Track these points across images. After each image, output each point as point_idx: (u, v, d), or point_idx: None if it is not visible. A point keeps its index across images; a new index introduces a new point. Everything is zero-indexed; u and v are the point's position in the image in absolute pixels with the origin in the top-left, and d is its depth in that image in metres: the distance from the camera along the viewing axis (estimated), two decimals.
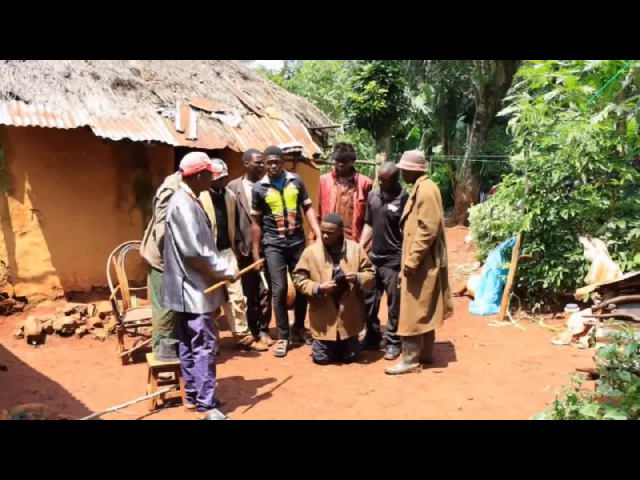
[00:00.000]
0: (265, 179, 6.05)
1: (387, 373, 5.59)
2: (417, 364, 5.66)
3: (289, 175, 6.07)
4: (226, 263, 4.63)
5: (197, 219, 4.41)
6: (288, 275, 6.28)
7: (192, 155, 4.57)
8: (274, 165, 6.02)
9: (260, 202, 6.02)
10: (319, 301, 5.70)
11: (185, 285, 4.42)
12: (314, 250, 5.79)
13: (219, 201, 5.91)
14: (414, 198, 5.46)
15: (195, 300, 4.43)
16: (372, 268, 5.81)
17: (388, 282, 5.97)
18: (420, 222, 5.35)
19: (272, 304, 6.29)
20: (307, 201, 6.21)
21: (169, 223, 4.40)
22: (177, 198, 4.45)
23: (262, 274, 5.96)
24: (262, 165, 6.22)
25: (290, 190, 6.05)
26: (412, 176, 5.59)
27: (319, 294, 5.59)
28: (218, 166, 5.40)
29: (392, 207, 5.89)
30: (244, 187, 6.36)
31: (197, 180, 4.52)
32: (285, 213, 6.02)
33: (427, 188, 5.42)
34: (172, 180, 5.37)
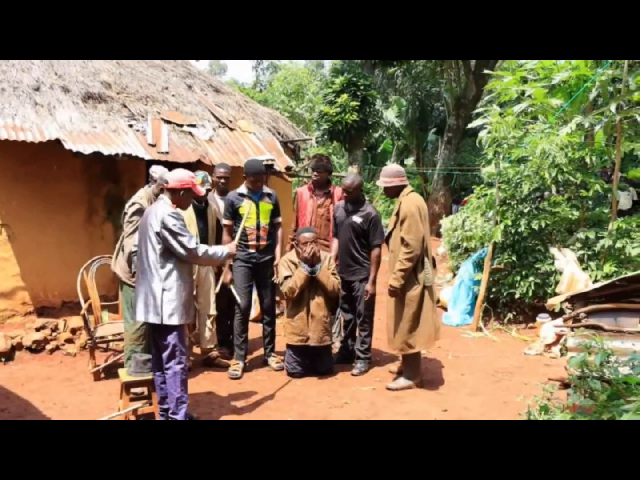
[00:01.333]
0: (242, 188, 5.94)
1: (388, 389, 5.50)
2: (419, 379, 5.59)
3: (266, 190, 6.04)
4: (217, 247, 4.69)
5: (184, 224, 4.49)
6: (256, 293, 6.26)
7: (181, 171, 4.60)
8: (222, 181, 6.28)
9: (234, 212, 5.90)
10: (295, 309, 5.75)
11: (165, 295, 4.40)
12: (289, 258, 5.88)
13: (201, 214, 5.92)
14: (397, 214, 5.37)
15: (173, 311, 4.41)
16: (337, 278, 5.84)
17: (357, 295, 5.98)
18: (402, 239, 5.26)
19: (235, 321, 6.09)
20: (278, 219, 6.13)
21: (158, 233, 4.39)
22: (162, 208, 4.45)
23: (232, 287, 5.87)
24: (222, 182, 6.33)
25: (266, 205, 5.98)
26: (393, 192, 5.50)
27: (310, 266, 5.68)
28: (202, 189, 5.35)
29: (357, 218, 5.92)
30: (217, 201, 6.36)
31: (179, 197, 4.54)
32: (258, 227, 5.92)
33: (409, 203, 5.31)
34: (141, 195, 5.36)
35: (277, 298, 7.59)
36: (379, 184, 5.62)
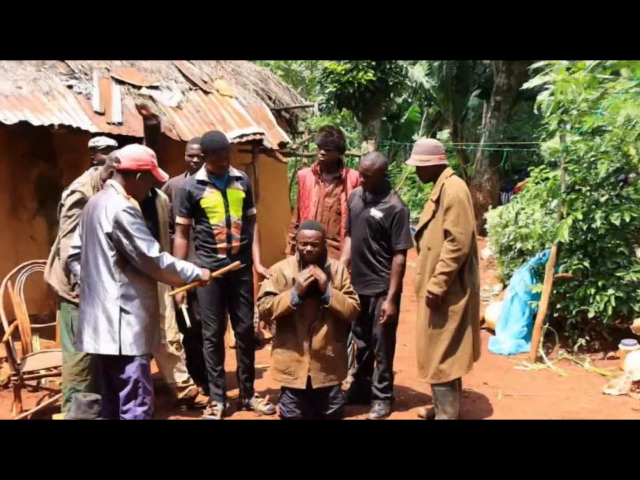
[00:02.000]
0: (202, 174, 5.80)
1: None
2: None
3: (234, 172, 5.92)
4: (188, 263, 4.70)
5: (144, 224, 4.47)
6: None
7: (137, 147, 4.60)
8: (195, 160, 6.18)
9: (192, 207, 5.78)
10: (284, 335, 5.67)
11: (124, 317, 4.38)
12: (284, 268, 5.73)
13: (147, 208, 5.80)
14: (437, 201, 5.39)
15: (134, 337, 4.39)
16: (355, 297, 5.74)
17: (373, 314, 5.93)
18: (447, 232, 5.27)
19: (204, 351, 6.02)
20: (253, 211, 6.02)
21: (110, 235, 4.36)
22: (113, 200, 4.42)
23: (183, 306, 5.80)
24: (194, 161, 6.26)
25: (236, 192, 5.86)
26: (430, 174, 5.52)
27: (299, 299, 5.53)
28: (164, 173, 5.33)
29: (376, 212, 5.84)
30: None
31: (134, 181, 4.52)
32: (228, 223, 5.77)
33: (456, 187, 5.35)
34: (84, 180, 5.32)
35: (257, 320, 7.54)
36: (410, 163, 5.60)
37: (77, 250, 4.75)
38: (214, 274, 5.12)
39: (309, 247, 5.53)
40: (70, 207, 5.20)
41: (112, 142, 5.57)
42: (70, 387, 5.29)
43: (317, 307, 5.63)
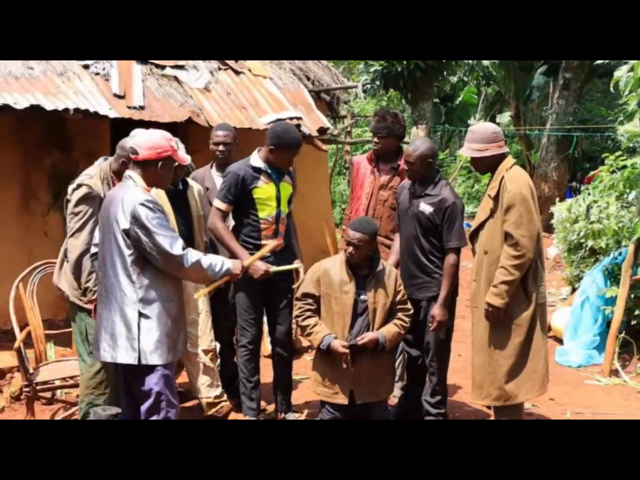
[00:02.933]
0: (257, 161, 5.80)
1: None
2: None
3: None
4: (216, 256, 4.69)
5: (166, 219, 4.48)
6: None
7: (153, 133, 4.59)
8: (221, 148, 6.25)
9: (240, 195, 5.77)
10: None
11: (143, 322, 4.39)
12: (329, 268, 5.64)
13: (179, 201, 5.85)
14: (496, 197, 5.29)
15: (156, 345, 4.41)
16: (408, 307, 5.65)
17: (425, 320, 5.90)
18: (508, 235, 5.17)
19: (239, 359, 6.02)
20: (292, 207, 6.12)
21: (127, 232, 4.37)
22: (130, 194, 4.43)
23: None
24: (220, 149, 6.32)
25: (287, 187, 5.94)
26: (487, 165, 5.44)
27: (328, 353, 5.48)
28: (187, 156, 5.33)
29: (425, 206, 5.78)
30: (214, 180, 6.34)
31: (155, 171, 4.53)
32: (277, 218, 5.84)
33: (518, 182, 5.23)
34: (92, 172, 5.31)
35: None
36: (464, 152, 5.52)
37: (90, 249, 4.86)
38: (246, 262, 5.11)
39: (350, 249, 5.40)
40: (77, 204, 5.18)
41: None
42: (88, 401, 5.32)
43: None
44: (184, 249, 4.41)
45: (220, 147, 6.31)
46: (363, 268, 5.51)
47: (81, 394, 5.43)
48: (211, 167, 6.45)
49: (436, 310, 5.70)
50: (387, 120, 6.27)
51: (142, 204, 4.35)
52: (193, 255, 4.44)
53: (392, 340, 5.46)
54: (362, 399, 5.51)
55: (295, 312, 5.63)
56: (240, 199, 5.77)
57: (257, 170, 5.76)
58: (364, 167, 6.49)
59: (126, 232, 4.37)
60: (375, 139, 6.32)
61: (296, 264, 5.68)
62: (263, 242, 5.78)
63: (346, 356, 5.38)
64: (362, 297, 5.44)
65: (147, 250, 4.35)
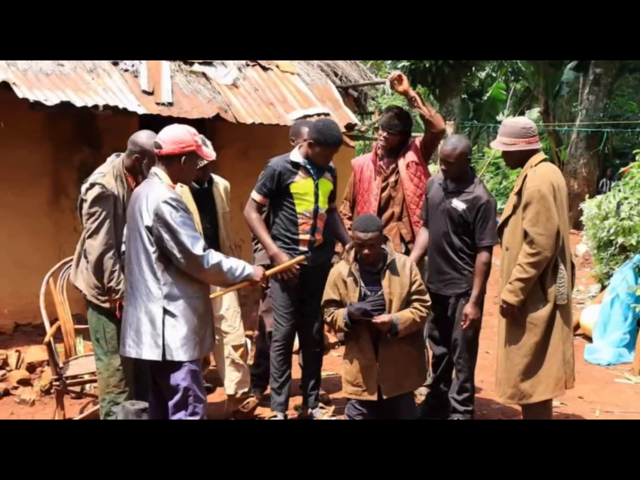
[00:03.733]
0: (296, 156, 5.81)
1: None
2: None
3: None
4: (237, 260, 4.65)
5: (189, 218, 4.47)
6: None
7: (177, 127, 4.58)
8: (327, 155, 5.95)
9: (276, 189, 5.79)
10: (353, 342, 5.59)
11: (168, 319, 4.41)
12: (342, 270, 5.62)
13: (204, 198, 5.85)
14: (518, 194, 5.26)
15: (181, 342, 4.42)
16: (425, 298, 5.61)
17: (453, 317, 5.88)
18: (525, 233, 5.17)
19: (271, 352, 6.04)
20: (334, 204, 6.14)
21: (150, 228, 4.38)
22: (155, 191, 4.43)
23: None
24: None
25: (327, 183, 5.94)
26: (515, 159, 5.42)
27: (351, 323, 5.44)
28: (211, 151, 5.31)
29: (459, 203, 5.75)
30: None
31: (180, 166, 4.52)
32: (315, 214, 5.85)
33: (540, 179, 5.15)
34: (104, 170, 5.26)
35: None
36: (495, 146, 5.46)
37: (107, 248, 4.92)
38: (269, 272, 5.11)
39: (365, 250, 5.32)
40: (92, 204, 5.13)
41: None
42: (109, 399, 5.34)
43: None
44: (205, 249, 4.40)
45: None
46: (377, 264, 5.47)
47: (101, 392, 5.45)
48: None
49: (469, 309, 5.67)
50: (402, 119, 6.23)
51: (166, 202, 4.35)
52: (214, 257, 4.43)
53: (404, 325, 5.35)
54: (389, 393, 5.47)
55: (326, 321, 5.60)
56: (277, 193, 5.79)
57: (296, 165, 5.77)
58: (367, 169, 6.42)
59: (149, 230, 4.38)
60: (385, 134, 6.24)
61: (295, 259, 5.59)
62: (301, 237, 5.82)
63: (363, 313, 5.31)
64: (379, 292, 5.43)
65: (168, 249, 4.35)
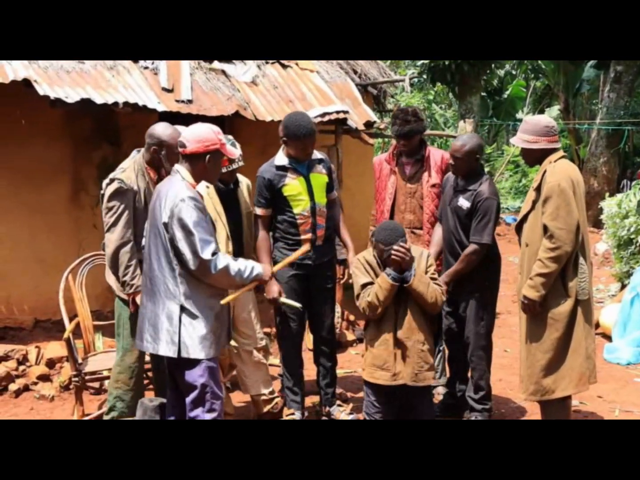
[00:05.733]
0: (280, 159, 5.78)
1: None
2: None
3: (315, 154, 5.86)
4: (245, 261, 4.64)
5: (205, 219, 4.45)
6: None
7: (201, 126, 4.57)
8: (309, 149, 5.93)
9: (272, 196, 5.76)
10: (375, 329, 5.58)
11: (185, 317, 4.42)
12: (367, 257, 5.63)
13: (229, 199, 5.83)
14: (537, 189, 5.25)
15: (198, 340, 4.43)
16: (439, 283, 5.59)
17: (464, 314, 5.89)
18: (545, 228, 5.16)
19: (280, 351, 6.07)
20: (334, 194, 6.05)
21: (166, 225, 4.38)
22: (175, 188, 4.43)
23: (283, 300, 5.75)
24: None
25: (319, 177, 5.87)
26: (534, 157, 5.39)
27: (399, 276, 5.36)
28: (235, 150, 5.29)
29: (463, 201, 5.76)
30: None
31: (204, 165, 4.51)
32: (313, 211, 5.78)
33: (559, 174, 5.14)
34: (125, 166, 5.31)
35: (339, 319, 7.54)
36: (515, 142, 5.43)
37: (120, 243, 4.94)
38: (275, 268, 5.15)
39: (394, 257, 5.34)
40: (110, 199, 5.17)
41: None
42: (116, 394, 5.37)
43: (404, 300, 5.49)
44: (214, 254, 4.37)
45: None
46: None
47: (110, 386, 5.49)
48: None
49: (443, 277, 5.81)
50: (411, 122, 6.19)
51: (183, 200, 4.34)
52: (222, 262, 4.40)
53: (422, 281, 5.40)
54: (405, 380, 5.44)
55: (362, 305, 5.52)
56: (274, 199, 5.77)
57: (282, 168, 5.73)
58: (384, 168, 6.45)
59: (165, 226, 4.39)
60: (402, 142, 6.26)
61: (299, 252, 5.57)
62: (302, 237, 5.77)
63: (393, 329, 5.41)
64: (404, 285, 5.43)
65: (179, 248, 4.35)
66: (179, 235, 4.34)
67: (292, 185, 5.72)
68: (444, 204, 5.96)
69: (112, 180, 5.19)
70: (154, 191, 4.71)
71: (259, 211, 5.80)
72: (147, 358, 5.50)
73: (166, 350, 4.44)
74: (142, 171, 5.30)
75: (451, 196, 5.88)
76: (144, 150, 5.34)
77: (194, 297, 4.44)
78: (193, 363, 4.46)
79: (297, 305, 5.46)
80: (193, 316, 4.43)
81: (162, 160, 5.18)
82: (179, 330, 4.41)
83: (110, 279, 5.44)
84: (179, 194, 4.36)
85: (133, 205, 5.18)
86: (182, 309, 4.42)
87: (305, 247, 5.50)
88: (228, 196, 5.78)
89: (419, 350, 5.52)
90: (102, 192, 5.30)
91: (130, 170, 5.25)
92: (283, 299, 5.55)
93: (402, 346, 5.48)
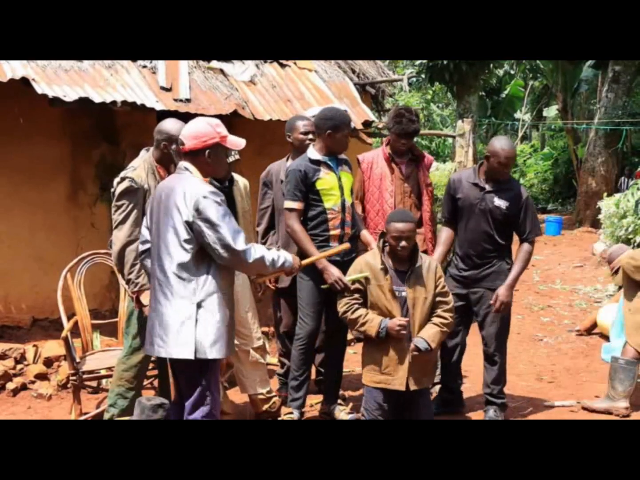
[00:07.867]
0: (314, 153, 5.78)
1: (583, 408, 6.01)
2: (626, 404, 5.94)
3: (341, 155, 5.94)
4: (276, 253, 4.61)
5: (229, 212, 4.41)
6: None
7: (197, 122, 4.53)
8: (310, 136, 6.06)
9: (307, 190, 5.75)
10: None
11: (201, 314, 4.34)
12: (370, 260, 5.59)
13: (225, 199, 5.81)
14: None
15: (215, 338, 4.36)
16: (448, 300, 5.58)
17: (480, 310, 5.89)
18: None
19: (293, 350, 5.99)
20: (353, 196, 6.11)
21: (190, 224, 4.30)
22: (191, 185, 4.38)
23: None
24: (310, 138, 6.13)
25: (347, 176, 5.93)
26: None
27: (386, 335, 5.40)
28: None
29: (500, 202, 5.78)
30: None
31: (205, 160, 4.46)
32: (343, 207, 5.80)
33: None
34: (136, 164, 5.31)
35: None
36: None
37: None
38: (304, 262, 5.10)
39: (403, 242, 5.30)
40: (119, 197, 5.18)
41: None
42: (118, 392, 5.36)
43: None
44: (247, 243, 4.33)
45: (310, 136, 6.13)
46: (404, 262, 5.43)
47: (113, 383, 5.47)
48: (287, 159, 6.38)
49: (502, 291, 5.77)
50: (415, 123, 6.23)
51: (206, 197, 4.28)
52: (257, 251, 4.36)
53: (435, 342, 5.37)
54: (414, 385, 5.41)
55: (341, 308, 5.48)
56: (307, 193, 5.76)
57: (316, 162, 5.74)
58: (379, 166, 6.40)
59: (189, 225, 4.30)
60: (404, 140, 6.27)
61: (337, 249, 5.59)
62: (331, 232, 5.77)
63: (403, 328, 5.30)
64: (402, 293, 5.40)
65: (210, 245, 4.26)
66: (208, 231, 4.26)
67: (326, 179, 5.74)
68: (468, 207, 5.95)
69: (123, 179, 5.19)
70: (160, 189, 4.62)
71: (295, 205, 5.74)
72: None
73: (181, 352, 4.33)
74: (153, 170, 5.29)
75: (479, 198, 5.89)
76: (153, 148, 5.34)
77: (209, 295, 4.36)
78: (202, 364, 4.38)
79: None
80: (208, 315, 4.35)
81: (172, 155, 5.16)
82: (194, 331, 4.31)
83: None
84: (199, 191, 4.31)
85: (143, 204, 5.17)
86: (198, 307, 4.33)
87: (345, 245, 5.53)
88: (224, 194, 5.77)
89: (424, 356, 5.48)
90: (112, 190, 5.30)
91: (141, 169, 5.25)
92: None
93: (404, 350, 5.44)
